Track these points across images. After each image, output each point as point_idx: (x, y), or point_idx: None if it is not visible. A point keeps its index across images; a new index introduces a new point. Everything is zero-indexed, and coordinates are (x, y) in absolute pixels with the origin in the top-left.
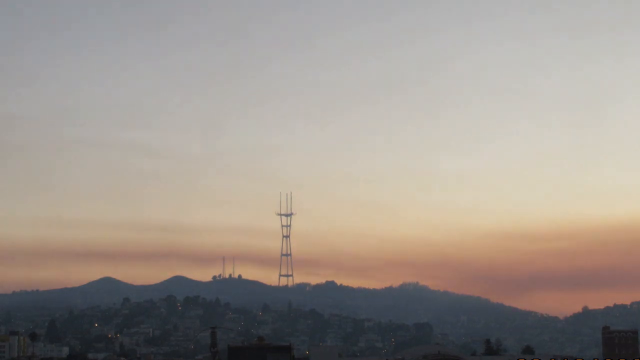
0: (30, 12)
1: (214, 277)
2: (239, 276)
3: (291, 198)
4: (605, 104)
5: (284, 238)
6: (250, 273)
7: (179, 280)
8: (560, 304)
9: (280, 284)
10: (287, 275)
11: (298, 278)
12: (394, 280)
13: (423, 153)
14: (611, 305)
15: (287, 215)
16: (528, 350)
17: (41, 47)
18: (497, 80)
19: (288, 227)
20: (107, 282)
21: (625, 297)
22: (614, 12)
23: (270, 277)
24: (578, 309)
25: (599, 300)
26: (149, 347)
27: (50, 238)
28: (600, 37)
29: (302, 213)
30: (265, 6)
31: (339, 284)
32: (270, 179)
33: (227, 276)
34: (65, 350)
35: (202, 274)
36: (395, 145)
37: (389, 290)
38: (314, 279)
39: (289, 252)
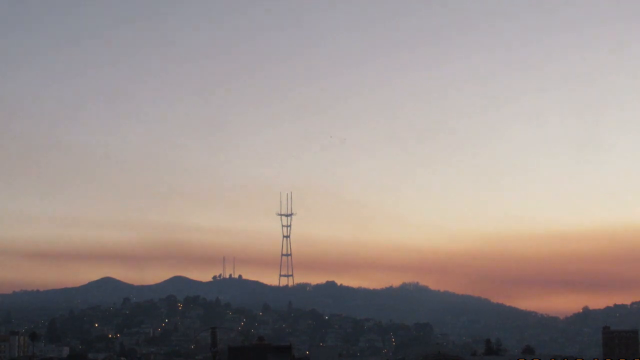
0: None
1: (214, 277)
2: (239, 276)
3: (291, 198)
4: (606, 105)
5: (284, 238)
6: (250, 273)
7: (179, 280)
8: (561, 304)
9: (281, 284)
10: (288, 275)
11: (298, 278)
12: (394, 280)
13: (423, 153)
14: (611, 305)
15: (287, 215)
16: (528, 350)
17: (39, 42)
18: (493, 80)
19: (288, 227)
20: (107, 282)
21: (625, 297)
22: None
23: (270, 277)
24: (578, 309)
25: (599, 300)
26: (149, 347)
27: (51, 238)
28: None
29: (302, 213)
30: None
31: (339, 284)
32: (270, 179)
33: (227, 276)
34: (66, 350)
35: (202, 274)
36: (395, 145)
37: (389, 290)
38: (314, 279)
39: (289, 252)
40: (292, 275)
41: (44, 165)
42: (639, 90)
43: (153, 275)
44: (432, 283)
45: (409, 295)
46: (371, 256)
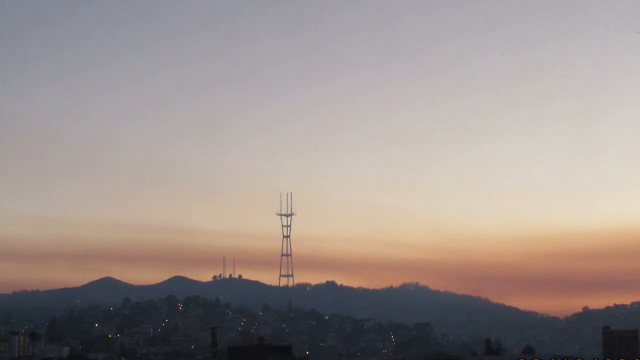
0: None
1: (214, 277)
2: (239, 276)
3: (291, 198)
4: (605, 107)
5: (284, 238)
6: (250, 273)
7: (179, 280)
8: (561, 304)
9: (281, 284)
10: (287, 276)
11: (298, 278)
12: (394, 280)
13: (424, 153)
14: (611, 305)
15: (287, 216)
16: (528, 350)
17: (41, 42)
18: (493, 82)
19: (288, 227)
20: (107, 282)
21: (625, 297)
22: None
23: (270, 277)
24: (578, 309)
25: (599, 300)
26: (149, 347)
27: (51, 238)
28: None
29: (302, 213)
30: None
31: (339, 284)
32: (270, 179)
33: (227, 276)
34: (66, 350)
35: (203, 274)
36: (396, 145)
37: (389, 290)
38: (314, 279)
39: (289, 252)
40: (292, 275)
41: (43, 165)
42: (635, 93)
43: (153, 275)
44: (432, 283)
45: (409, 295)
46: (371, 256)
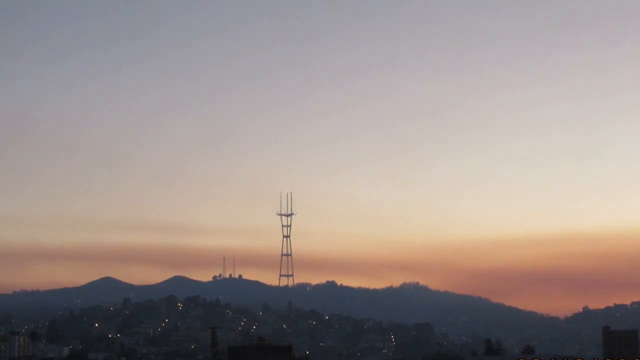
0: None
1: (214, 277)
2: (239, 276)
3: (291, 198)
4: (604, 109)
5: (284, 238)
6: (250, 273)
7: (179, 280)
8: (561, 304)
9: (281, 284)
10: (288, 275)
11: (298, 278)
12: (394, 280)
13: (423, 154)
14: (611, 305)
15: (287, 215)
16: (528, 350)
17: (47, 45)
18: (496, 79)
19: (288, 227)
20: (107, 282)
21: (625, 297)
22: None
23: (270, 277)
24: (578, 309)
25: (599, 300)
26: (149, 347)
27: (51, 238)
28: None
29: (302, 213)
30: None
31: (339, 284)
32: (270, 179)
33: (227, 276)
34: (66, 350)
35: (203, 274)
36: (395, 146)
37: (389, 290)
38: (314, 279)
39: (289, 252)
40: (292, 275)
41: (43, 166)
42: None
43: (153, 275)
44: (432, 283)
45: (409, 295)
46: (371, 256)
